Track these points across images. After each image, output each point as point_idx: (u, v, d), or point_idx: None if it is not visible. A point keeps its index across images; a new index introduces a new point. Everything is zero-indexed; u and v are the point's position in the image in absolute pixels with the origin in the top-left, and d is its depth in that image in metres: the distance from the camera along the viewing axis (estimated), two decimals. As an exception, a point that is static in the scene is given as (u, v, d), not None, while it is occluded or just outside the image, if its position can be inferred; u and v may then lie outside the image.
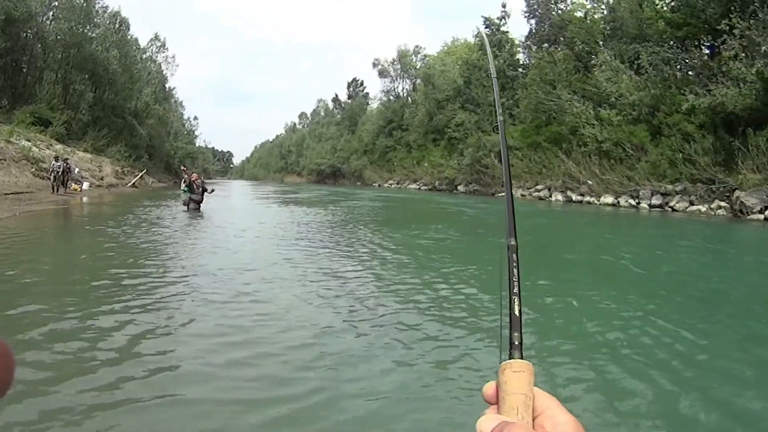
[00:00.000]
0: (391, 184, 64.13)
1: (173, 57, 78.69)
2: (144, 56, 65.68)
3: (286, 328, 5.56)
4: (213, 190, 21.18)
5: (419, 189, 54.79)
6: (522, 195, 36.86)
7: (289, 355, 4.75)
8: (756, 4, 23.59)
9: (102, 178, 37.92)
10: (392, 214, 24.24)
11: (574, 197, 31.62)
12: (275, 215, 21.48)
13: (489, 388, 1.01)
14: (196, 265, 9.03)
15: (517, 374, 1.06)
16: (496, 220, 21.48)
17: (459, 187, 47.15)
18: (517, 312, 1.21)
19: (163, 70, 72.15)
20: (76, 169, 33.26)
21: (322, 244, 12.28)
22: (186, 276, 7.98)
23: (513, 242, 1.41)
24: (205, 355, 4.69)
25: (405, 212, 26.22)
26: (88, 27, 47.60)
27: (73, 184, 30.19)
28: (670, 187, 25.37)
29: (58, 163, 27.06)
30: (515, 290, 1.26)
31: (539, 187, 36.09)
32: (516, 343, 1.18)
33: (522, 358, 1.12)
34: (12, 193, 22.23)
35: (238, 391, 3.99)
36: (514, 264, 1.32)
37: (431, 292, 7.36)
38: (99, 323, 5.47)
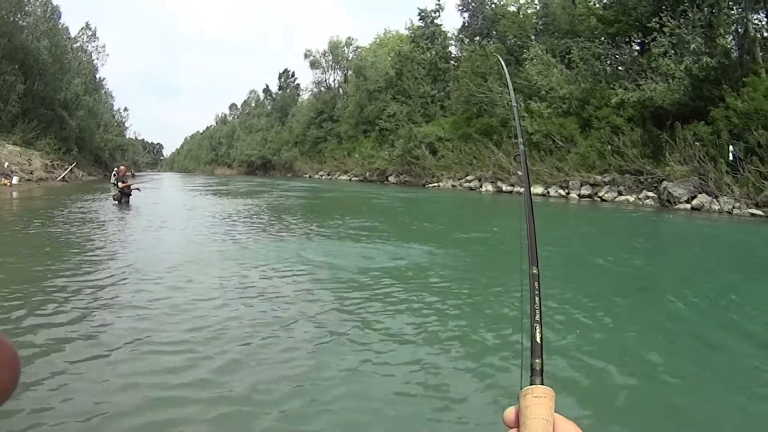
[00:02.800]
0: (321, 175, 63.35)
1: (104, 47, 75.01)
2: (75, 46, 62.53)
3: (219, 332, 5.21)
4: (138, 189, 21.20)
5: (350, 180, 54.31)
6: (453, 185, 36.91)
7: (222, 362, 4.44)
8: (686, 4, 23.94)
9: (32, 172, 36.17)
10: (321, 205, 24.45)
11: (504, 188, 31.68)
12: (204, 208, 21.20)
13: (510, 413, 1.04)
14: (126, 260, 8.74)
15: (539, 399, 1.07)
16: (424, 210, 21.66)
17: (390, 178, 46.90)
18: (538, 338, 1.27)
19: (93, 60, 68.97)
20: (6, 164, 32.11)
21: (251, 237, 12.18)
22: (116, 271, 7.72)
23: (535, 271, 1.45)
24: (139, 361, 4.41)
25: (335, 204, 26.14)
26: (18, 15, 45.26)
27: (2, 179, 29.14)
28: (599, 177, 25.77)
29: None
30: (537, 317, 1.31)
31: (470, 177, 36.06)
32: (537, 369, 1.21)
33: (543, 384, 1.14)
34: None
35: (169, 392, 3.84)
36: (536, 292, 1.36)
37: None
38: (17, 322, 5.22)
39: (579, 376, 4.36)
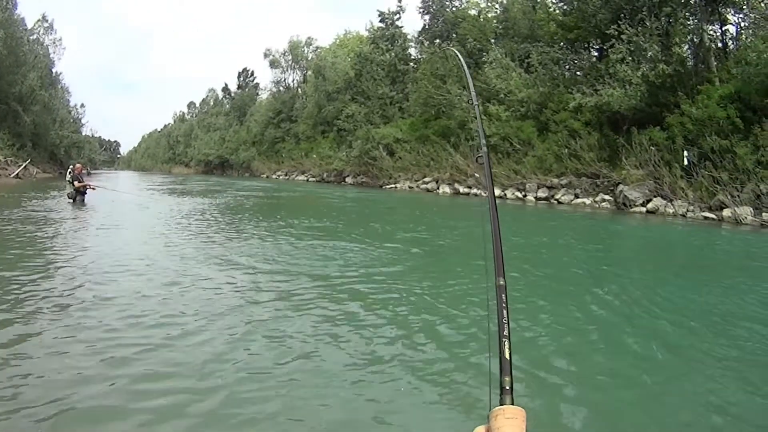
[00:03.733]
0: (279, 176, 62.69)
1: (60, 40, 72.92)
2: (31, 38, 60.27)
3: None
4: (94, 188, 20.84)
5: (307, 180, 53.98)
6: (410, 187, 36.78)
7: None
8: (644, 13, 24.32)
9: None
10: (276, 205, 24.71)
11: (462, 189, 31.59)
12: (160, 207, 21.06)
13: None
14: (79, 260, 8.69)
15: (510, 421, 1.10)
16: (381, 209, 21.51)
17: (347, 179, 46.61)
18: (507, 355, 1.28)
19: (50, 54, 67.13)
20: None
21: (205, 236, 12.32)
22: (69, 272, 7.70)
23: (502, 282, 1.47)
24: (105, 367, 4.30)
25: (290, 204, 26.33)
26: None
27: None
28: (555, 180, 25.88)
29: None
30: (505, 332, 1.32)
31: (427, 179, 35.93)
32: (506, 387, 1.23)
33: (513, 403, 1.17)
34: None
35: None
36: (504, 305, 1.39)
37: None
38: None
39: (547, 392, 4.18)
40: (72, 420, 3.48)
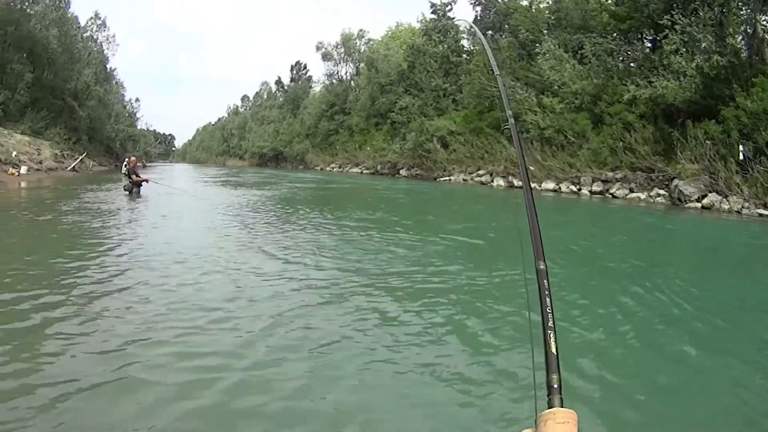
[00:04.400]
0: (333, 168, 63.49)
1: (113, 36, 75.09)
2: (85, 35, 62.19)
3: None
4: (147, 181, 21.21)
5: (361, 173, 54.52)
6: (464, 179, 37.03)
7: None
8: (697, 3, 24.09)
9: (41, 162, 36.10)
10: (329, 197, 25.10)
11: (516, 182, 31.53)
12: (215, 198, 21.62)
13: None
14: (134, 251, 8.91)
15: (563, 426, 1.00)
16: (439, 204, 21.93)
17: (401, 172, 47.09)
18: (553, 348, 1.16)
19: (104, 50, 68.89)
20: (14, 153, 31.94)
21: (261, 227, 12.52)
22: (124, 262, 7.91)
23: (542, 266, 1.37)
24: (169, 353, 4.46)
25: (344, 196, 26.80)
26: (26, 3, 45.15)
27: (10, 168, 28.97)
28: (610, 174, 25.80)
29: None
30: (550, 323, 1.20)
31: (481, 172, 36.11)
32: (554, 386, 1.12)
33: (563, 405, 1.08)
34: None
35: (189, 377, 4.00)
36: (546, 292, 1.28)
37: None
38: (32, 317, 5.23)
39: (594, 390, 4.00)
40: (114, 390, 3.73)
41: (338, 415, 3.57)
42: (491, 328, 5.35)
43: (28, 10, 45.32)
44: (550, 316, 1.22)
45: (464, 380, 4.09)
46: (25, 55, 44.15)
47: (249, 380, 3.96)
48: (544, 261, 1.37)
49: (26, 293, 5.96)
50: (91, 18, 65.81)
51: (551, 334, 1.18)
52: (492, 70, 2.50)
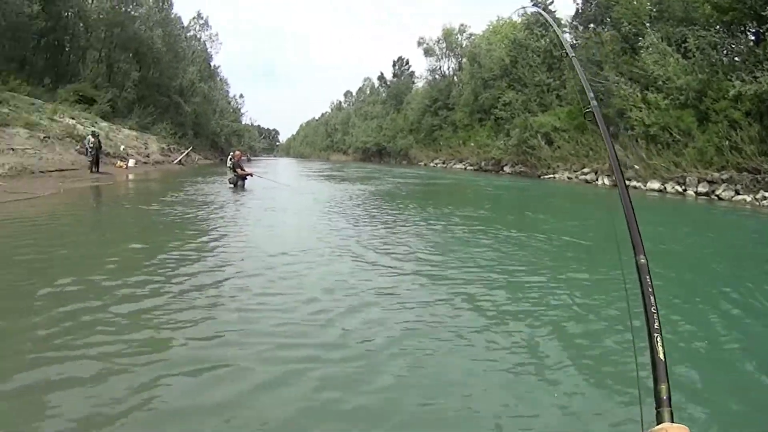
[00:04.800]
0: (437, 164, 64.33)
1: (216, 35, 79.18)
2: (188, 35, 66.46)
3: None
4: (252, 175, 21.63)
5: (465, 169, 54.89)
6: (568, 178, 37.08)
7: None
8: (802, -6, 23.41)
9: (148, 155, 38.40)
10: (433, 192, 25.55)
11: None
12: (319, 192, 22.03)
13: None
14: (242, 243, 9.32)
15: None
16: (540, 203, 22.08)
17: (505, 168, 47.20)
18: (661, 354, 1.04)
19: (207, 48, 72.88)
20: (122, 147, 34.09)
21: (359, 220, 12.81)
22: (229, 254, 8.21)
23: (643, 259, 1.25)
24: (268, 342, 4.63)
25: (447, 192, 27.08)
26: (131, 6, 48.43)
27: (118, 161, 30.79)
28: (716, 174, 25.29)
29: (95, 140, 25.65)
30: (656, 325, 1.07)
31: (585, 170, 36.04)
32: (663, 397, 1.01)
33: (673, 419, 0.96)
34: (56, 170, 22.41)
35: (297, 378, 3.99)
36: (649, 290, 1.15)
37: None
38: (140, 302, 5.57)
39: (701, 403, 3.68)
40: (214, 375, 3.93)
41: (431, 415, 3.52)
42: (591, 330, 5.19)
43: (133, 13, 48.78)
44: (655, 317, 1.10)
45: (560, 388, 3.86)
46: (131, 54, 47.76)
47: (340, 374, 4.00)
48: (645, 255, 1.26)
49: (133, 279, 6.37)
50: (194, 18, 70.03)
51: (658, 338, 1.06)
52: (566, 52, 2.57)
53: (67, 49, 44.93)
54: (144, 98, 48.27)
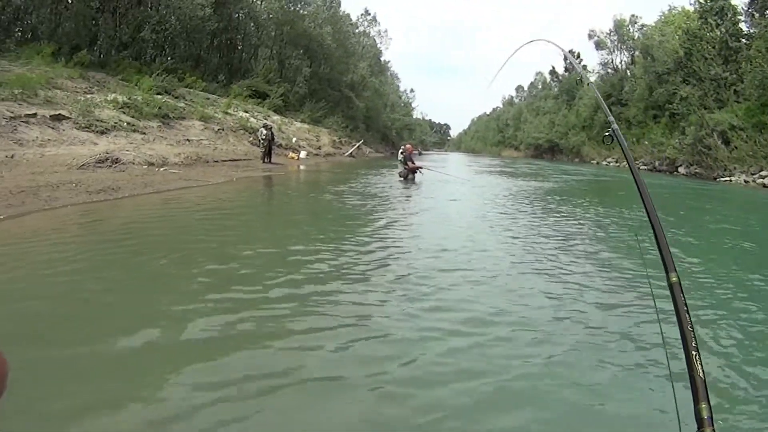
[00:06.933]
0: (609, 162, 62.60)
1: (386, 31, 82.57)
2: (357, 31, 69.37)
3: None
4: (422, 171, 21.83)
5: (638, 169, 51.32)
6: (745, 181, 34.44)
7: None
8: None
9: (319, 148, 39.69)
10: (592, 189, 24.71)
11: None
12: (489, 187, 21.42)
13: None
14: (409, 235, 9.24)
15: None
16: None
17: (680, 169, 44.62)
18: (701, 373, 1.07)
19: (377, 44, 75.91)
20: (294, 139, 35.80)
21: (536, 221, 12.07)
22: (396, 246, 8.12)
23: (675, 278, 1.31)
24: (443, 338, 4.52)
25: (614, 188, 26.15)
26: (299, 5, 51.61)
27: (290, 153, 31.71)
28: None
29: (267, 132, 26.38)
30: (693, 343, 1.12)
31: (764, 173, 33.46)
32: (705, 417, 1.03)
33: None
34: (229, 160, 23.28)
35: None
36: (684, 308, 1.20)
37: None
38: (306, 290, 5.60)
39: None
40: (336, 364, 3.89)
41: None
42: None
43: (301, 11, 51.86)
44: (692, 335, 1.10)
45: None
46: (302, 51, 50.54)
47: (509, 387, 3.70)
48: (676, 272, 1.26)
49: (301, 265, 6.51)
50: (361, 15, 73.28)
51: (696, 356, 1.06)
52: (580, 78, 2.49)
53: (239, 48, 48.19)
54: (315, 92, 50.70)
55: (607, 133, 2.31)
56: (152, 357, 3.86)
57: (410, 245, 8.24)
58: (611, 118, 2.30)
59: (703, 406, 1.01)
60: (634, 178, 1.77)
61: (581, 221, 12.48)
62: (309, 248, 7.54)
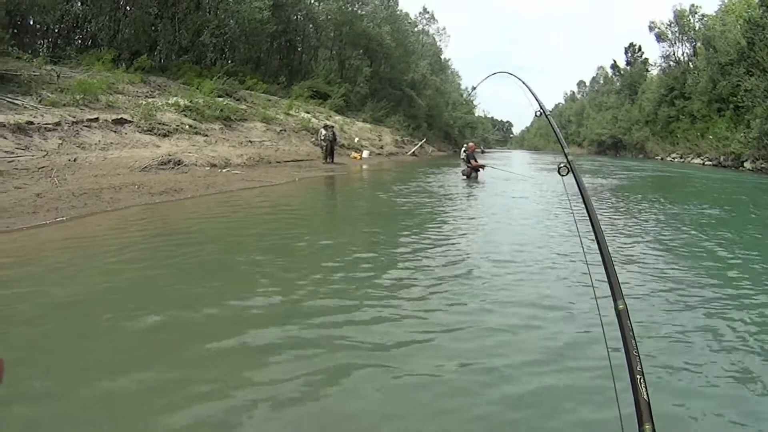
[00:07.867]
0: (674, 158, 60.45)
1: (444, 29, 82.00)
2: (415, 30, 69.12)
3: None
4: (484, 168, 21.44)
5: (703, 164, 50.21)
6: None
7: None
8: None
9: (381, 147, 39.69)
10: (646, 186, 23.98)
11: None
12: (551, 184, 19.92)
13: None
14: (473, 235, 9.13)
15: None
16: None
17: (745, 164, 42.93)
18: (645, 395, 1.11)
19: (437, 42, 75.94)
20: (356, 139, 35.80)
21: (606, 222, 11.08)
22: (460, 247, 7.99)
23: (621, 305, 1.34)
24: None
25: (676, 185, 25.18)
26: (357, 5, 51.54)
27: (353, 152, 31.77)
28: None
29: (327, 132, 26.41)
30: (638, 367, 1.16)
31: None
32: None
33: None
34: (292, 161, 23.45)
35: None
36: (630, 333, 1.24)
37: None
38: (368, 289, 5.66)
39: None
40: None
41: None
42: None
43: (359, 11, 51.99)
44: (637, 358, 1.13)
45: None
46: (361, 51, 51.08)
47: (560, 384, 3.69)
48: (624, 300, 1.28)
49: (363, 264, 6.60)
50: (420, 13, 73.29)
51: (641, 380, 1.09)
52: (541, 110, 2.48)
53: (299, 49, 48.77)
54: (376, 92, 50.72)
55: (562, 164, 2.32)
56: (239, 354, 4.08)
57: (483, 244, 8.28)
58: (567, 150, 2.34)
59: (647, 427, 1.07)
60: (584, 203, 1.82)
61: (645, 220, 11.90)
62: (388, 247, 7.77)
